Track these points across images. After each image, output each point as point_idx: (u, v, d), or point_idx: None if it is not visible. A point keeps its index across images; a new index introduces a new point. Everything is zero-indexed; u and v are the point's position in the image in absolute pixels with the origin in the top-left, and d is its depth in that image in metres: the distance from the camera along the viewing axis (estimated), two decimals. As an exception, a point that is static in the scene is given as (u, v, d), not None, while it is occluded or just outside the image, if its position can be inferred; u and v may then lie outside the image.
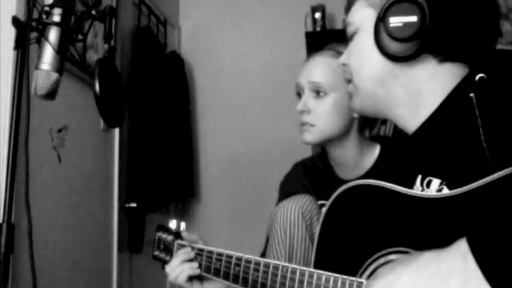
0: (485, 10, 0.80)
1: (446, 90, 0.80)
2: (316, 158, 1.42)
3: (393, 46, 0.79)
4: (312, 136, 1.26)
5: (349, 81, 0.93)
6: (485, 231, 0.58)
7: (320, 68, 1.27)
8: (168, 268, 1.17)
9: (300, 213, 1.17)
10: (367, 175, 1.24)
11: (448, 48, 0.80)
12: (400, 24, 0.77)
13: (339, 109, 1.24)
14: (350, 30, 0.90)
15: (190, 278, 1.15)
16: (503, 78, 0.71)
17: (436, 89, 0.81)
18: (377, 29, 0.81)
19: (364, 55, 0.86)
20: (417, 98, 0.83)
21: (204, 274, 1.11)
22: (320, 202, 1.22)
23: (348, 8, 0.92)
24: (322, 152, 1.38)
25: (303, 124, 1.28)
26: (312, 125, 1.26)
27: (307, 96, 1.27)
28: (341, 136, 1.26)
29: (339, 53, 1.21)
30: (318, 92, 1.26)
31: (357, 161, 1.28)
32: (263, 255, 1.26)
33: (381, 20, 0.79)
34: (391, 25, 0.78)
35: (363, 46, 0.86)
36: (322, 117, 1.25)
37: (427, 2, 0.76)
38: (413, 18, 0.76)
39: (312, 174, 1.38)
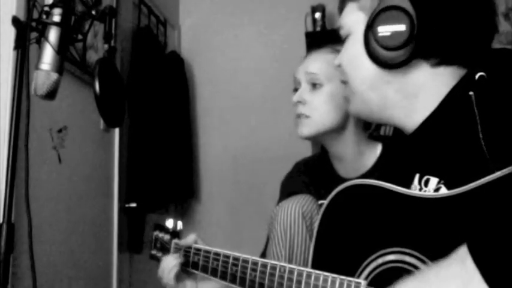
0: (477, 10, 0.79)
1: (445, 91, 0.79)
2: (317, 157, 1.42)
3: (383, 54, 0.78)
4: (307, 129, 1.26)
5: (344, 82, 0.93)
6: (483, 234, 0.57)
7: (316, 61, 1.29)
8: (158, 274, 1.18)
9: (300, 213, 1.17)
10: (368, 174, 1.23)
11: (441, 52, 0.79)
12: (389, 33, 0.76)
13: (334, 101, 1.24)
14: (342, 32, 0.90)
15: (183, 278, 1.15)
16: (503, 76, 0.70)
17: (433, 91, 0.80)
18: (366, 36, 0.80)
19: (355, 60, 0.86)
20: (413, 101, 0.82)
21: (202, 274, 1.11)
22: (320, 202, 1.22)
23: (340, 9, 0.91)
24: (322, 150, 1.38)
25: (298, 116, 1.28)
26: (307, 116, 1.26)
27: (304, 89, 1.28)
28: (337, 130, 1.26)
29: (336, 51, 1.22)
30: (314, 85, 1.27)
31: (356, 157, 1.27)
32: (263, 255, 1.26)
33: (370, 27, 0.78)
34: (380, 34, 0.77)
35: (355, 51, 0.85)
36: (317, 109, 1.25)
37: (414, 8, 0.75)
38: (402, 27, 0.75)
39: (313, 173, 1.37)
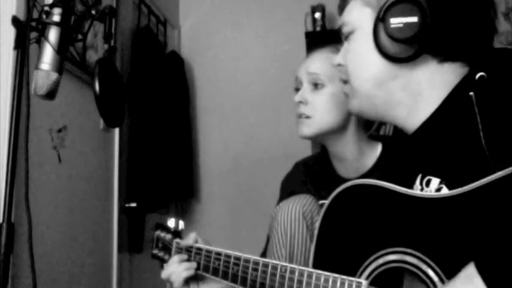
0: (482, 8, 0.80)
1: (447, 90, 0.80)
2: (317, 156, 1.42)
3: (393, 47, 0.78)
4: (308, 129, 1.26)
5: (344, 81, 0.92)
6: (489, 250, 0.58)
7: (318, 61, 1.28)
8: (163, 275, 1.17)
9: (300, 213, 1.17)
10: (369, 174, 1.23)
11: (448, 48, 0.80)
12: (401, 25, 0.76)
13: (336, 101, 1.24)
14: (345, 30, 0.89)
15: (187, 280, 1.15)
16: (503, 76, 0.71)
17: (436, 89, 0.81)
18: (376, 29, 0.80)
19: (362, 56, 0.85)
20: (417, 99, 0.82)
21: (203, 273, 1.10)
22: (321, 202, 1.22)
23: (341, 7, 0.91)
24: (322, 150, 1.38)
25: (299, 116, 1.28)
26: (308, 117, 1.26)
27: (305, 89, 1.28)
28: (338, 130, 1.26)
29: (338, 50, 1.22)
30: (316, 85, 1.27)
31: (356, 157, 1.27)
32: (263, 255, 1.26)
33: (381, 20, 0.78)
34: (392, 26, 0.77)
35: (361, 47, 0.85)
36: (318, 109, 1.25)
37: (427, 2, 0.75)
38: (414, 19, 0.75)
39: (313, 173, 1.37)
